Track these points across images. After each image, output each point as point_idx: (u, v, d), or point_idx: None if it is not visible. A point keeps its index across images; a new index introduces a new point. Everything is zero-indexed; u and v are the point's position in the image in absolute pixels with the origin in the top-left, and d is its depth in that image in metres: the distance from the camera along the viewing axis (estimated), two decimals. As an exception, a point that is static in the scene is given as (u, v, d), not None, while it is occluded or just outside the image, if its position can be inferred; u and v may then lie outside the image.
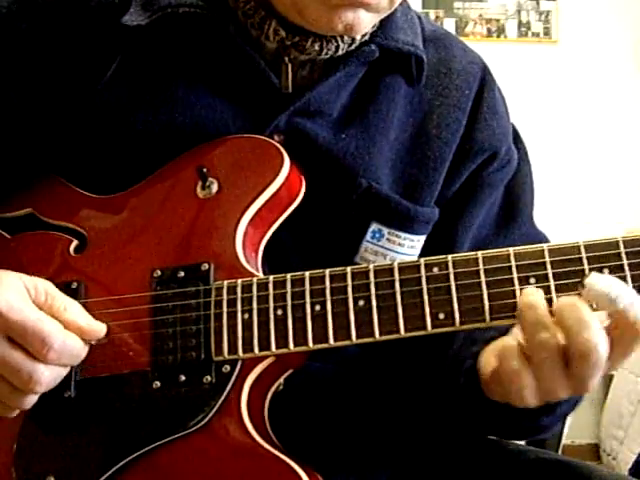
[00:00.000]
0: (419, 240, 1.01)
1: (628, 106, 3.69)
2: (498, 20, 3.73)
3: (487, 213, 1.05)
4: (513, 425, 0.92)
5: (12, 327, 0.80)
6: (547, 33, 3.73)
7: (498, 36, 3.72)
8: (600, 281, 0.76)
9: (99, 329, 0.86)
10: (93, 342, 0.86)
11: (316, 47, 0.94)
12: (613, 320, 0.76)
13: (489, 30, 3.72)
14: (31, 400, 0.83)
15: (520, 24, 3.73)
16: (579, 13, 3.71)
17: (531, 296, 0.78)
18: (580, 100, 3.66)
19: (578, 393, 0.79)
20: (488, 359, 0.84)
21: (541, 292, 0.78)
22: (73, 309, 0.85)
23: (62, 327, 0.83)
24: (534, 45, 3.72)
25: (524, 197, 1.08)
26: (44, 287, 0.85)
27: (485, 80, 1.06)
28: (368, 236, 0.98)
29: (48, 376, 0.82)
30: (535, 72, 3.64)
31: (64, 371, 0.84)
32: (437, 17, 3.66)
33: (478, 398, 0.87)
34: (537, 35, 3.73)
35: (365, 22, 0.90)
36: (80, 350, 0.84)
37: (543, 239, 1.07)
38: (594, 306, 0.76)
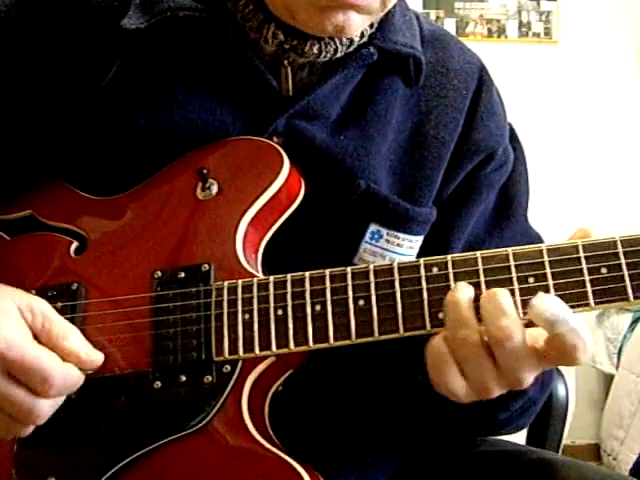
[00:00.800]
0: (417, 240, 1.01)
1: (629, 106, 3.69)
2: (499, 20, 3.73)
3: (483, 211, 1.05)
4: (469, 422, 0.92)
5: (12, 365, 0.79)
6: (548, 33, 3.73)
7: (499, 36, 3.72)
8: (544, 302, 0.76)
9: (97, 359, 0.85)
10: (90, 371, 0.85)
11: (315, 50, 0.94)
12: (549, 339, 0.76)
13: (490, 30, 3.72)
14: (30, 429, 0.83)
15: (521, 24, 3.74)
16: (580, 13, 3.71)
17: (456, 293, 0.79)
18: (581, 100, 3.66)
19: (514, 387, 0.79)
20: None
21: (470, 289, 0.79)
22: (72, 337, 0.84)
23: (61, 361, 0.82)
24: (535, 45, 3.72)
25: (518, 197, 1.08)
26: (40, 310, 0.84)
27: (483, 80, 1.06)
28: (367, 237, 0.98)
29: (48, 408, 0.82)
30: (536, 72, 3.65)
31: (62, 400, 0.84)
32: (438, 17, 3.66)
33: (432, 398, 0.87)
34: (538, 35, 3.73)
35: (356, 24, 0.90)
36: (78, 380, 0.84)
37: (536, 238, 1.07)
38: (538, 324, 0.77)
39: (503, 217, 1.07)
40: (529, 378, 0.78)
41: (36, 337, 0.82)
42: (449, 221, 1.03)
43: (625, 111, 3.68)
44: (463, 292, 0.79)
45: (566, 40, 3.71)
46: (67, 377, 0.82)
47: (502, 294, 0.77)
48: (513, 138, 1.10)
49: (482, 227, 1.06)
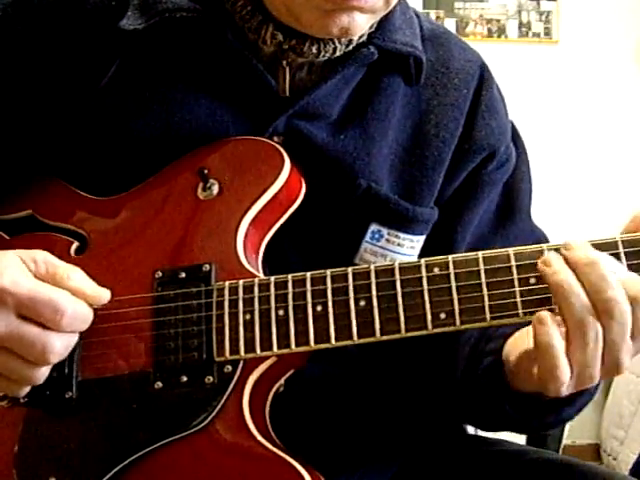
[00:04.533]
0: (419, 240, 1.01)
1: (629, 106, 3.69)
2: (499, 20, 3.72)
3: (486, 210, 1.05)
4: (536, 418, 0.91)
5: (22, 302, 0.80)
6: (548, 33, 3.73)
7: (499, 36, 3.72)
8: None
9: (104, 294, 0.87)
10: (96, 306, 0.86)
11: (314, 50, 0.94)
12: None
13: (490, 30, 3.72)
14: (44, 373, 0.83)
15: (521, 24, 3.73)
16: (580, 13, 3.71)
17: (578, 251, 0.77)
18: (581, 100, 3.65)
19: (612, 373, 0.78)
20: (515, 347, 0.84)
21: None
22: (76, 276, 0.85)
23: (69, 294, 0.83)
24: (535, 45, 3.72)
25: (522, 195, 1.08)
26: (42, 257, 0.85)
27: (483, 78, 1.06)
28: (368, 237, 0.98)
29: (60, 345, 0.82)
30: (536, 72, 3.64)
31: (74, 339, 0.84)
32: (438, 17, 3.66)
33: (503, 394, 0.87)
34: (538, 35, 3.73)
35: (361, 24, 0.90)
36: (88, 315, 0.85)
37: (541, 236, 1.07)
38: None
39: (507, 216, 1.07)
40: (627, 361, 0.77)
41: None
42: (452, 221, 1.03)
43: (625, 111, 3.68)
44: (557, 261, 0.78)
45: (566, 40, 3.71)
46: (77, 309, 0.83)
47: (603, 262, 0.76)
48: (515, 136, 1.10)
49: (486, 227, 1.06)
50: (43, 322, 0.81)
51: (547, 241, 1.02)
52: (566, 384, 0.77)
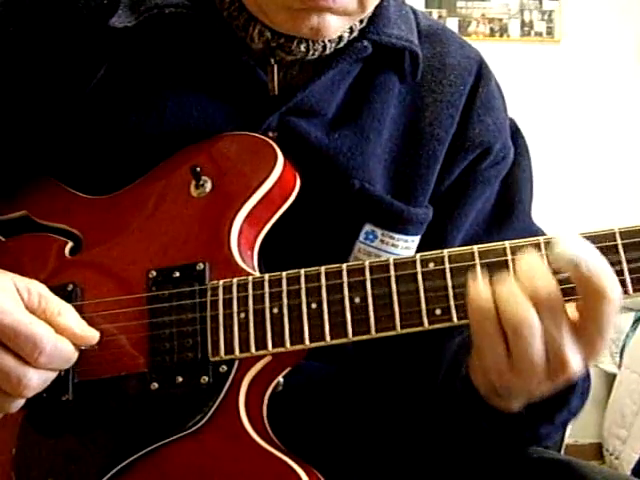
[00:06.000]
0: (413, 241, 1.00)
1: (631, 105, 3.69)
2: (501, 19, 3.73)
3: (481, 208, 1.04)
4: (512, 433, 0.90)
5: (3, 330, 0.80)
6: (550, 32, 3.73)
7: (501, 35, 3.72)
8: (565, 243, 0.73)
9: (92, 335, 0.86)
10: (83, 347, 0.85)
11: (302, 48, 0.93)
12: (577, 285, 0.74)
13: (492, 29, 3.72)
14: (18, 404, 0.83)
15: (523, 23, 3.73)
16: (582, 12, 3.71)
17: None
18: (583, 99, 3.65)
19: (559, 374, 0.76)
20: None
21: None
22: (67, 314, 0.84)
23: (54, 331, 0.82)
24: (537, 44, 3.72)
25: (521, 192, 1.07)
26: (37, 290, 0.84)
27: (480, 75, 1.04)
28: (361, 237, 0.97)
29: (37, 380, 0.81)
30: (538, 71, 3.64)
31: (53, 375, 0.84)
32: (440, 16, 3.66)
33: (476, 406, 0.86)
34: (540, 34, 3.73)
35: (334, 26, 0.89)
36: (71, 355, 0.84)
37: (540, 234, 1.06)
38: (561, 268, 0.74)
39: (505, 213, 1.05)
40: (574, 362, 0.75)
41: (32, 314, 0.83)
42: (445, 218, 1.02)
43: (627, 110, 3.68)
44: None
45: (568, 39, 3.71)
46: (59, 347, 0.82)
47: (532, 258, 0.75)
48: (516, 134, 1.09)
49: (483, 224, 1.04)
50: (22, 355, 0.80)
51: None
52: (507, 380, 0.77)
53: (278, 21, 0.89)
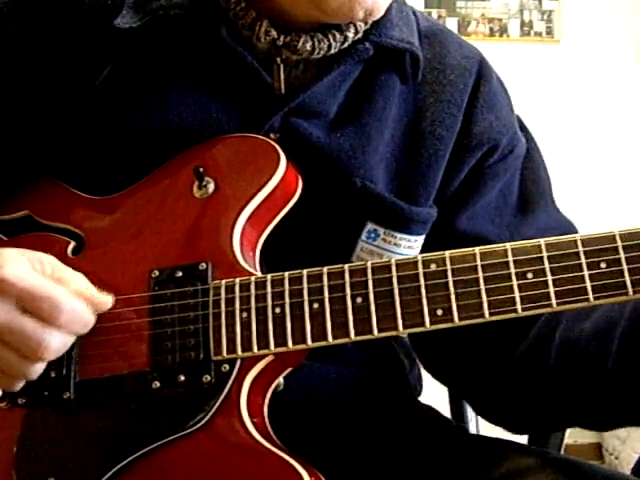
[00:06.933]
0: (417, 240, 1.00)
1: (631, 105, 3.68)
2: (500, 19, 3.72)
3: (504, 202, 1.04)
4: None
5: (22, 294, 0.80)
6: (550, 32, 3.72)
7: (500, 35, 3.71)
8: None
9: (105, 300, 0.86)
10: (99, 312, 0.86)
11: (308, 47, 0.94)
12: None
13: (491, 29, 3.72)
14: (38, 369, 0.83)
15: (523, 23, 3.73)
16: (582, 12, 3.70)
17: None
18: (583, 99, 3.65)
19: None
20: None
21: None
22: (79, 281, 0.85)
23: (71, 293, 0.82)
24: (536, 44, 3.72)
25: (541, 184, 1.08)
26: (49, 260, 0.85)
27: (481, 73, 1.05)
28: (363, 236, 0.98)
29: (57, 342, 0.81)
30: (538, 71, 3.64)
31: (71, 339, 0.84)
32: (440, 16, 3.66)
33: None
34: (540, 34, 3.73)
35: (383, 5, 0.92)
36: (88, 318, 0.84)
37: (571, 225, 1.06)
38: None
39: (531, 205, 1.05)
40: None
41: None
42: (455, 216, 1.02)
43: (627, 110, 3.67)
44: None
45: (568, 39, 3.70)
46: (76, 309, 0.82)
47: None
48: (522, 129, 1.09)
49: (509, 218, 1.04)
50: (42, 318, 0.80)
51: (575, 230, 1.03)
52: None
53: (334, 8, 0.90)
